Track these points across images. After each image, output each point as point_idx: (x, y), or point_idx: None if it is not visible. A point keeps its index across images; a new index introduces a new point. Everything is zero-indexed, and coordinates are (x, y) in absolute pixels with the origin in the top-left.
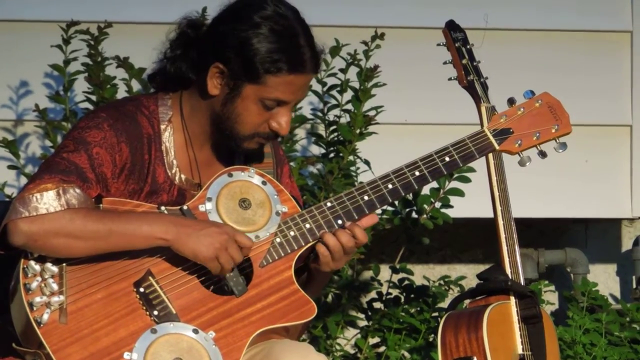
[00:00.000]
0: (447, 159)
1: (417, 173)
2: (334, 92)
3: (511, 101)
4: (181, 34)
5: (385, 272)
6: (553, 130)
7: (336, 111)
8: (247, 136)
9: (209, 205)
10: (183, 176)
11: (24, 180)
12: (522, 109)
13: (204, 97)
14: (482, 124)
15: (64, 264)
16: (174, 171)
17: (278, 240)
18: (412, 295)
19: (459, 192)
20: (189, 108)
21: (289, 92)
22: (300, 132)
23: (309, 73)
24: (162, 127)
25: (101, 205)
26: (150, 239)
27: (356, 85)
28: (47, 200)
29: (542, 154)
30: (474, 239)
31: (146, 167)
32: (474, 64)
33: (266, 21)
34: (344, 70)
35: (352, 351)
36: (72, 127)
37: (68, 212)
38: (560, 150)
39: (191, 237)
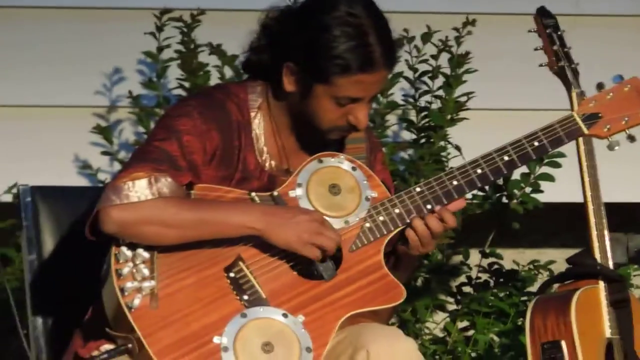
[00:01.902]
0: (536, 143)
1: (506, 158)
2: (425, 78)
3: (600, 86)
4: (264, 26)
5: (474, 257)
6: None
7: (427, 97)
8: (326, 130)
9: (299, 191)
10: (273, 162)
11: (117, 166)
12: (611, 94)
13: (283, 92)
14: (572, 109)
15: (155, 250)
16: (264, 158)
17: (367, 225)
18: (502, 280)
19: (549, 178)
20: (274, 98)
21: (360, 90)
22: (392, 118)
23: (380, 70)
24: (252, 114)
25: (192, 191)
26: (241, 228)
27: (447, 71)
28: (139, 189)
29: (631, 138)
30: (564, 223)
31: (237, 154)
32: (565, 50)
33: (336, 21)
34: (435, 57)
35: (441, 335)
36: (162, 115)
37: (160, 201)
38: None
39: (282, 226)
